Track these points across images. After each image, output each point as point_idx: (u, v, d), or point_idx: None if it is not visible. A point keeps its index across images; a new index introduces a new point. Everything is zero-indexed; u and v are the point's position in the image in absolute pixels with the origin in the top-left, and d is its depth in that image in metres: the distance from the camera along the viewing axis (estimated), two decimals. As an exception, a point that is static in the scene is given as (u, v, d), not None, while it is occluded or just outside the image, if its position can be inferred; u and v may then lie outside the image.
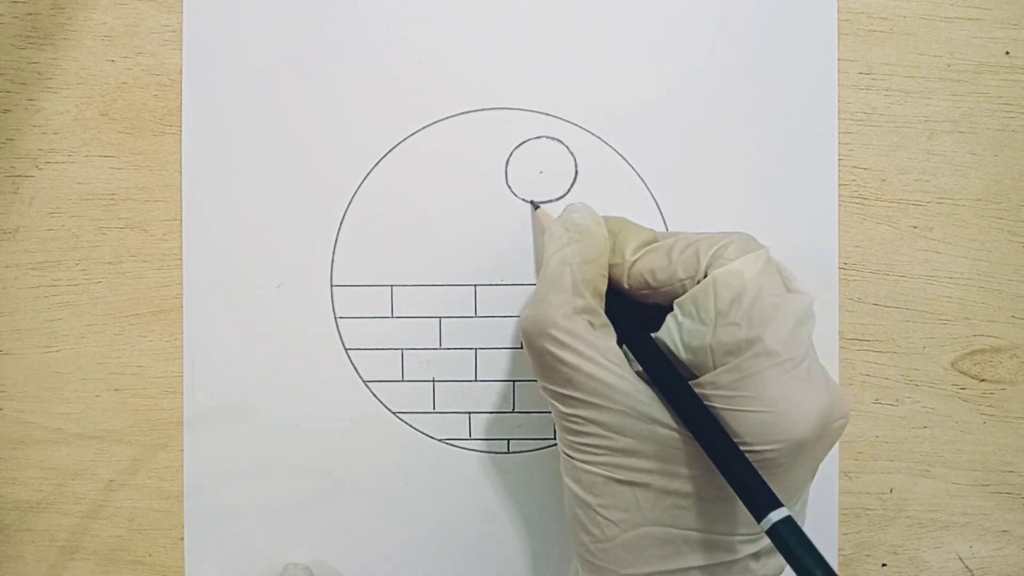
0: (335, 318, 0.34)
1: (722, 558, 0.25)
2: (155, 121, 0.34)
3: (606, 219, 0.29)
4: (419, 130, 0.34)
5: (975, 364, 0.34)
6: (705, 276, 0.25)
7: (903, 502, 0.34)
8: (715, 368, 0.24)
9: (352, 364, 0.34)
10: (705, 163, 0.34)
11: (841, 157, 0.34)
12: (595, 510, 0.25)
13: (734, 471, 0.23)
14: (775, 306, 0.24)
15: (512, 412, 0.34)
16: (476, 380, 0.34)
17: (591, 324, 0.26)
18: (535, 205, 0.33)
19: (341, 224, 0.34)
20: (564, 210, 0.29)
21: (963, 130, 0.34)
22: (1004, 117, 0.34)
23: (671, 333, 0.26)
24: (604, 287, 0.27)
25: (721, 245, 0.26)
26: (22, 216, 0.34)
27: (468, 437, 0.34)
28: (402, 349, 0.34)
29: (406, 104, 0.33)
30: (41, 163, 0.34)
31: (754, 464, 0.23)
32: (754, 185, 0.33)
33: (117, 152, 0.34)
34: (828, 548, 0.34)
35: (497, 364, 0.34)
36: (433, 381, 0.34)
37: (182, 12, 0.33)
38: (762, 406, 0.23)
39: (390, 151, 0.34)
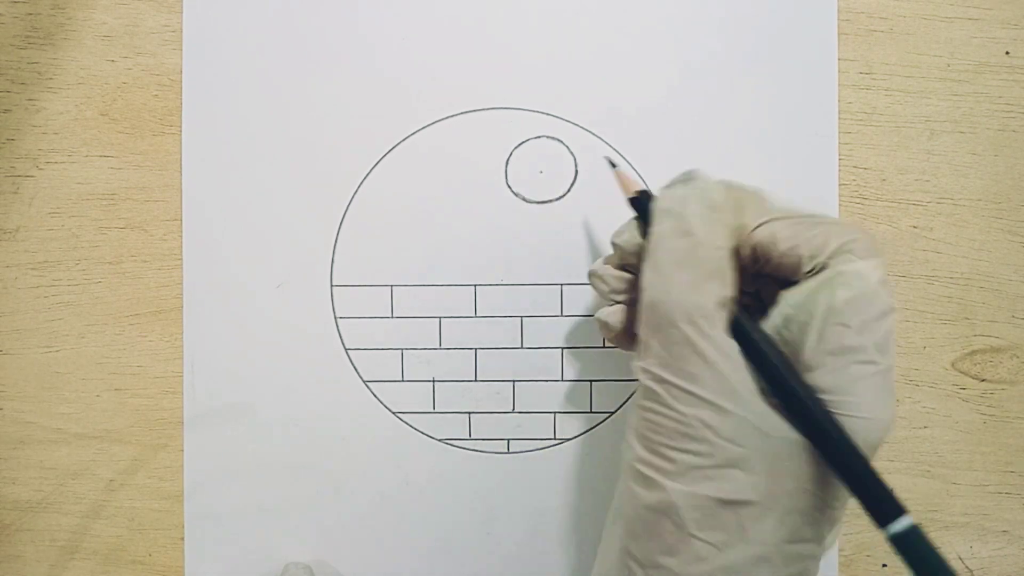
0: (335, 318, 0.34)
1: (808, 565, 0.24)
2: (155, 121, 0.34)
3: (732, 187, 0.26)
4: (419, 130, 0.34)
5: (975, 364, 0.34)
6: (824, 266, 0.24)
7: (903, 502, 0.34)
8: (807, 361, 0.24)
9: (352, 364, 0.34)
10: (705, 163, 0.33)
11: (841, 157, 0.34)
12: (690, 532, 0.23)
13: (860, 477, 0.23)
14: (883, 314, 0.24)
15: (512, 412, 0.34)
16: (476, 380, 0.34)
17: (725, 316, 0.24)
18: (612, 163, 0.30)
19: (341, 224, 0.34)
20: (688, 181, 0.26)
21: (963, 130, 0.34)
22: (1004, 117, 0.34)
23: (771, 320, 0.25)
24: (735, 274, 0.25)
25: (851, 239, 0.25)
26: (22, 216, 0.34)
27: (468, 437, 0.34)
28: (402, 349, 0.34)
29: (406, 104, 0.33)
30: (41, 163, 0.34)
31: None
32: (754, 185, 0.33)
33: (117, 152, 0.34)
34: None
35: (497, 364, 0.34)
36: (433, 381, 0.34)
37: (182, 12, 0.33)
38: (861, 412, 0.23)
39: (390, 151, 0.34)
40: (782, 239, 0.25)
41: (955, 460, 0.34)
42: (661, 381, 0.24)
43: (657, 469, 0.24)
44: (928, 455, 0.34)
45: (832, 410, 0.23)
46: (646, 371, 0.24)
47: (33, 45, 0.34)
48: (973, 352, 0.34)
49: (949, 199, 0.34)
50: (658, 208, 0.26)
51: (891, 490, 0.23)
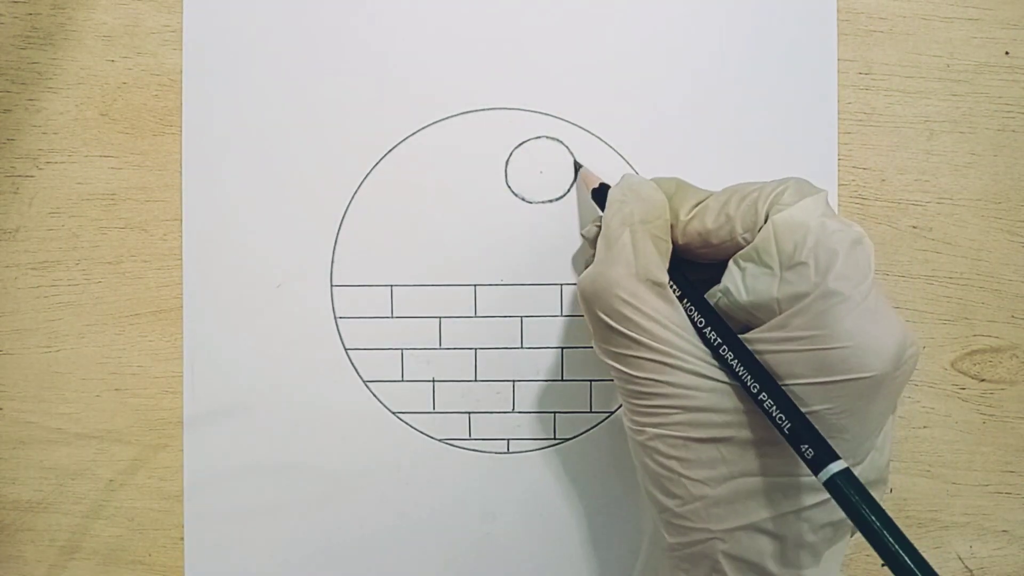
0: (335, 318, 0.34)
1: (813, 499, 0.25)
2: (155, 121, 0.34)
3: (660, 181, 0.29)
4: (419, 130, 0.34)
5: (975, 364, 0.34)
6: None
7: (903, 502, 0.34)
8: (782, 311, 0.24)
9: (352, 364, 0.34)
10: (705, 163, 0.33)
11: (841, 157, 0.34)
12: (678, 472, 0.25)
13: (792, 426, 0.23)
14: (839, 243, 0.24)
15: (512, 412, 0.34)
16: (476, 380, 0.34)
17: (654, 284, 0.26)
18: (578, 165, 0.33)
19: (341, 224, 0.34)
20: (622, 178, 0.28)
21: (963, 130, 0.34)
22: (1004, 117, 0.34)
23: (734, 279, 0.26)
24: (666, 249, 0.27)
25: (777, 192, 0.26)
26: (22, 216, 0.34)
27: (468, 437, 0.34)
28: (402, 349, 0.34)
29: (406, 104, 0.33)
30: (41, 163, 0.34)
31: (836, 401, 0.24)
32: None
33: (117, 152, 0.34)
34: (828, 548, 0.34)
35: (497, 364, 0.34)
36: (433, 381, 0.34)
37: (182, 12, 0.33)
38: (838, 343, 0.23)
39: (390, 151, 0.34)
40: (715, 227, 0.26)
41: (955, 460, 0.34)
42: (608, 353, 0.26)
43: (641, 425, 0.26)
44: (928, 455, 0.34)
45: (805, 347, 0.24)
46: (597, 349, 0.27)
47: (33, 45, 0.34)
48: (973, 352, 0.34)
49: (949, 199, 0.34)
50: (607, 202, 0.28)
51: (823, 437, 0.23)
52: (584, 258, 0.32)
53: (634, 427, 0.26)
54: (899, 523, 0.34)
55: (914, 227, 0.34)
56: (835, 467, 0.23)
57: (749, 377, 0.24)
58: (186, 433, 0.34)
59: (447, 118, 0.34)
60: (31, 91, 0.34)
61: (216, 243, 0.34)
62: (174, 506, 0.34)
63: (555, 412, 0.34)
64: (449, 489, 0.34)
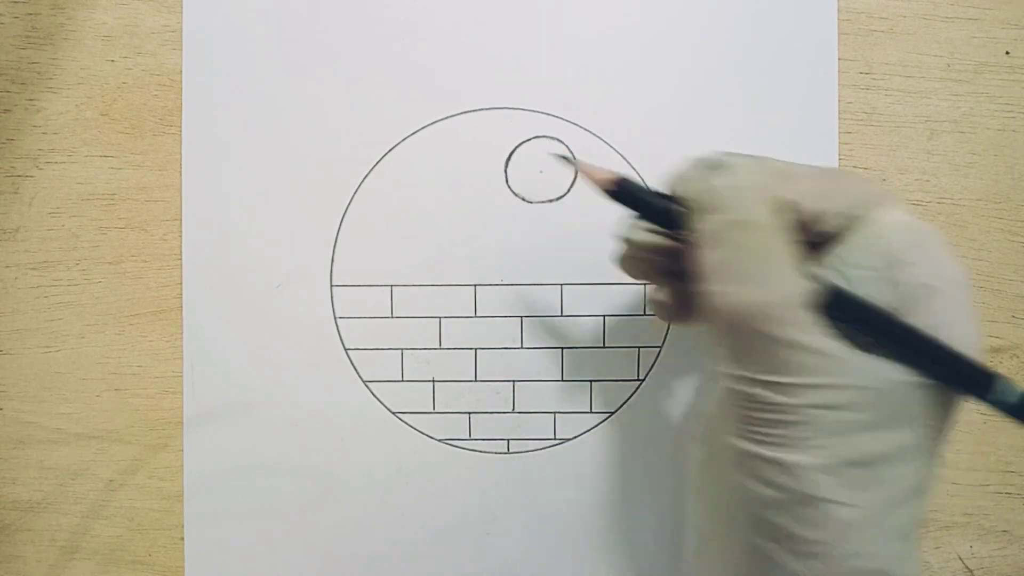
0: (335, 318, 0.34)
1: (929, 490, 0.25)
2: (155, 121, 0.34)
3: (760, 162, 0.25)
4: (419, 130, 0.34)
5: (975, 364, 0.34)
6: (852, 220, 0.25)
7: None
8: (895, 311, 0.24)
9: (352, 364, 0.34)
10: (705, 163, 0.34)
11: (841, 157, 0.34)
12: (828, 498, 0.23)
13: (965, 376, 0.24)
14: (939, 242, 0.25)
15: (512, 412, 0.34)
16: (476, 380, 0.34)
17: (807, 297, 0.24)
18: (566, 158, 0.31)
19: (341, 224, 0.34)
20: (705, 168, 0.25)
21: (963, 130, 0.34)
22: (1004, 117, 0.34)
23: (833, 281, 0.25)
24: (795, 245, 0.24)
25: (871, 191, 0.25)
26: (22, 216, 0.34)
27: (468, 437, 0.34)
28: (402, 349, 0.34)
29: (406, 104, 0.33)
30: (41, 163, 0.34)
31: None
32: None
33: (117, 152, 0.34)
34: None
35: (497, 364, 0.34)
36: (433, 381, 0.34)
37: (182, 12, 0.33)
38: (957, 340, 0.24)
39: (390, 151, 0.34)
40: (807, 203, 0.24)
41: (955, 460, 0.34)
42: (764, 384, 0.23)
43: (782, 455, 0.23)
44: (928, 455, 0.34)
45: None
46: (743, 378, 0.23)
47: (33, 45, 0.34)
48: (973, 352, 0.34)
49: (949, 199, 0.34)
50: (698, 204, 0.24)
51: (982, 368, 0.24)
52: (628, 254, 0.28)
53: (765, 458, 0.23)
54: (899, 523, 0.34)
55: (914, 227, 0.34)
56: (1016, 392, 0.24)
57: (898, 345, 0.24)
58: (186, 433, 0.34)
59: (447, 118, 0.34)
60: (31, 91, 0.34)
61: (216, 243, 0.34)
62: (174, 506, 0.34)
63: (555, 412, 0.34)
64: (449, 489, 0.34)
